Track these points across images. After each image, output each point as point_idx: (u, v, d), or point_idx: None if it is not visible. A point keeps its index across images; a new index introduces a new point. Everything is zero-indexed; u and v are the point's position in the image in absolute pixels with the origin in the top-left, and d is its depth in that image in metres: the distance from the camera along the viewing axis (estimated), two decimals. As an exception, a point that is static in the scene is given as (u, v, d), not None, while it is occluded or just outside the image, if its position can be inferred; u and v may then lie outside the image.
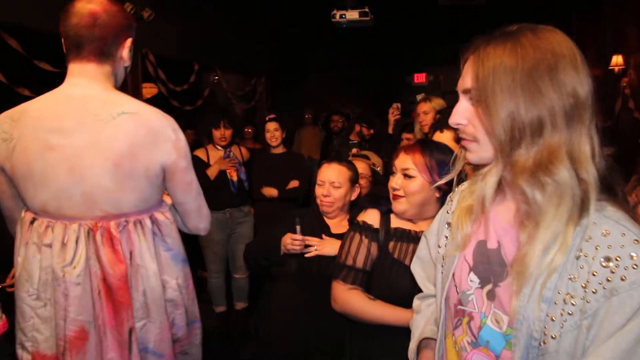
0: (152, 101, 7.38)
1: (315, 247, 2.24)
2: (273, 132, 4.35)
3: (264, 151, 4.57)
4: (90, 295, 1.47)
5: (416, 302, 1.44)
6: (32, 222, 1.49)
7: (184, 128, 5.58)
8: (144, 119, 1.50)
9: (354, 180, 2.40)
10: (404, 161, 1.79)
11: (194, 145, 6.19)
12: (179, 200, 1.65)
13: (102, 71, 1.53)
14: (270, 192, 4.18)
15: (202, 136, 6.55)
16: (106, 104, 1.48)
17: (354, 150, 4.91)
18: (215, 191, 4.13)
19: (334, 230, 2.40)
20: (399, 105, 5.17)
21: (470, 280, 1.08)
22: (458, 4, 6.54)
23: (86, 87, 1.50)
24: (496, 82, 0.94)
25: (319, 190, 2.40)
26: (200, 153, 4.28)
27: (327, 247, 2.23)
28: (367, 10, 4.63)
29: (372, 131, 5.36)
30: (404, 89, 10.90)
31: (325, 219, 2.44)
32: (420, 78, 10.98)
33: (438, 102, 3.71)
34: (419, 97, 3.71)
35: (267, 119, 4.47)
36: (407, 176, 1.77)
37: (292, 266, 2.32)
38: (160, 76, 5.73)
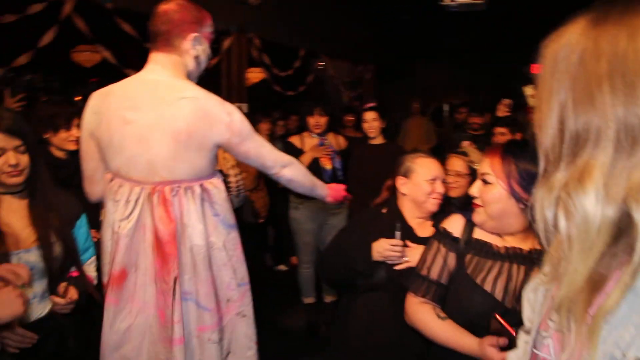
0: (255, 86, 7.47)
1: (406, 257, 2.01)
2: (371, 122, 4.13)
3: (363, 141, 4.35)
4: (137, 247, 1.76)
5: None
6: (110, 181, 1.81)
7: (287, 114, 5.52)
8: (201, 105, 1.76)
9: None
10: (483, 165, 1.58)
11: (297, 131, 6.13)
12: (242, 161, 1.98)
13: (170, 60, 1.80)
14: None
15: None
16: (171, 89, 1.76)
17: (466, 144, 4.59)
18: None
19: (419, 233, 2.15)
20: (509, 102, 4.70)
21: (550, 320, 0.81)
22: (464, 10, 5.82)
23: (158, 73, 1.79)
24: None
25: (428, 187, 2.12)
26: (295, 140, 4.18)
27: (418, 257, 2.01)
28: (479, -7, 4.22)
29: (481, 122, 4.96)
30: (519, 80, 10.13)
31: (409, 220, 2.20)
32: (537, 68, 10.13)
33: None
34: (529, 90, 3.28)
35: (365, 107, 4.26)
36: (485, 182, 1.55)
37: (383, 276, 2.06)
38: (265, 61, 5.70)
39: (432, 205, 2.13)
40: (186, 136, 1.73)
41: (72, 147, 2.59)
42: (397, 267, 2.01)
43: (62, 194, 1.91)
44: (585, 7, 0.74)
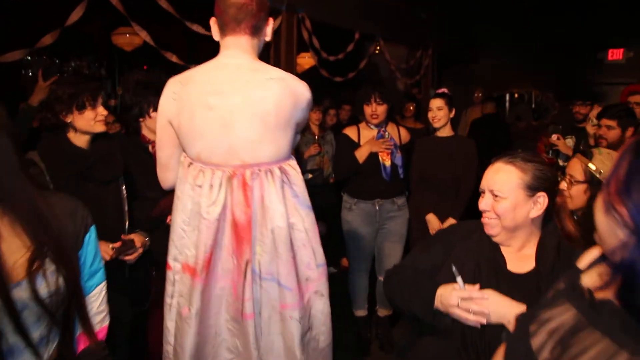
0: (306, 72, 7.01)
1: (479, 312, 1.52)
2: (436, 110, 3.60)
3: (427, 133, 3.82)
4: (223, 229, 1.78)
5: None
6: (189, 166, 1.82)
7: (339, 102, 5.05)
8: (287, 84, 1.80)
9: (534, 186, 1.59)
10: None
11: (350, 122, 5.66)
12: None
13: (251, 44, 1.84)
14: None
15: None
16: (256, 71, 1.79)
17: (554, 138, 3.98)
18: (364, 177, 3.55)
19: (511, 267, 1.64)
20: (558, 136, 4.05)
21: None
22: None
23: (238, 57, 1.81)
24: None
25: (480, 203, 1.70)
26: (351, 131, 3.68)
27: (493, 307, 1.50)
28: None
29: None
30: (593, 68, 9.34)
31: (501, 247, 1.69)
32: (616, 54, 9.32)
33: None
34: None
35: (435, 92, 3.72)
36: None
37: (448, 323, 1.61)
38: (314, 44, 5.22)
39: (484, 227, 1.72)
40: (275, 117, 1.76)
41: (100, 128, 2.34)
42: (468, 323, 1.55)
43: (64, 200, 1.46)
44: None
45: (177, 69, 2.41)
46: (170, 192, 2.59)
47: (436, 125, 3.62)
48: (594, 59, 9.39)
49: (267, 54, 4.96)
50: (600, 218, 0.87)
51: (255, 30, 1.83)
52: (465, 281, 1.58)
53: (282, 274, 1.81)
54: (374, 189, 3.57)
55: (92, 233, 1.50)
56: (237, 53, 1.82)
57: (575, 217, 1.81)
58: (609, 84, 8.75)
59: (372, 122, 3.59)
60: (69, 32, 3.37)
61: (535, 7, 8.43)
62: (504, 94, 10.26)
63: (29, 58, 6.35)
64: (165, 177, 2.00)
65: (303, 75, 6.59)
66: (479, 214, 1.71)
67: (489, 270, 1.63)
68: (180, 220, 1.83)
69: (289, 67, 5.08)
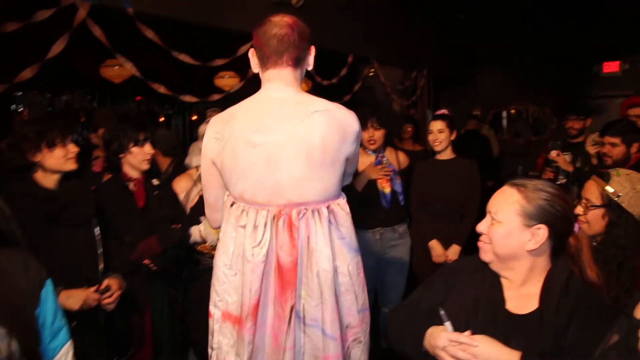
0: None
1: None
2: (437, 133, 3.47)
3: (427, 156, 3.68)
4: (268, 273, 1.68)
5: None
6: (231, 205, 1.74)
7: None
8: (334, 116, 1.70)
9: (534, 216, 1.44)
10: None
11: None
12: (346, 172, 1.86)
13: (295, 75, 1.77)
14: None
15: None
16: (300, 104, 1.70)
17: (554, 154, 3.84)
18: (363, 206, 3.38)
19: (511, 306, 1.50)
20: (558, 152, 3.89)
21: None
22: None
23: (282, 90, 1.73)
24: None
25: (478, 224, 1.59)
26: None
27: (482, 355, 1.39)
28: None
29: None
30: (589, 81, 9.26)
31: (502, 280, 1.55)
32: (611, 67, 9.23)
33: None
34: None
35: (435, 115, 3.59)
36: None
37: None
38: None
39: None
40: (321, 152, 1.67)
41: (71, 166, 2.21)
42: None
43: (13, 255, 1.32)
44: None
45: (169, 100, 2.28)
46: (150, 235, 2.46)
47: (437, 148, 3.49)
48: (590, 73, 9.32)
49: (259, 81, 4.85)
50: None
51: (298, 62, 1.76)
52: (462, 320, 1.49)
53: (327, 321, 1.71)
54: (374, 217, 3.42)
55: (48, 287, 1.36)
56: (280, 86, 1.75)
57: (595, 251, 1.63)
58: (605, 97, 8.66)
59: (369, 148, 3.46)
60: (59, 66, 3.26)
61: (529, 24, 8.39)
62: (501, 111, 10.19)
63: (20, 93, 6.24)
64: (214, 218, 1.93)
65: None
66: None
67: (486, 309, 1.51)
68: (222, 264, 1.75)
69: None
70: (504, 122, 10.31)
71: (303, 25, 1.78)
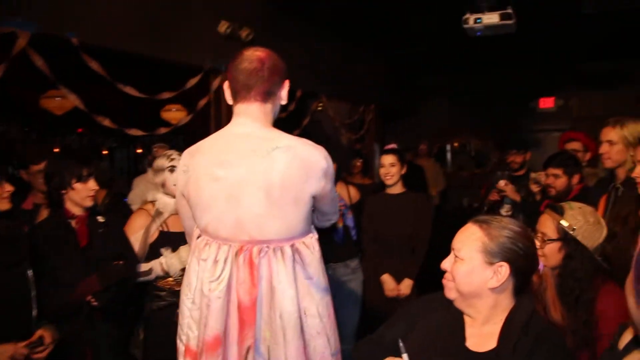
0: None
1: None
2: (388, 167, 3.49)
3: (378, 190, 3.69)
4: (227, 309, 1.64)
5: None
6: (197, 237, 1.74)
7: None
8: (296, 154, 1.65)
9: (495, 254, 1.43)
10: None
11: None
12: (323, 211, 1.89)
13: (264, 110, 1.74)
14: None
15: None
16: (263, 140, 1.67)
17: (502, 184, 3.93)
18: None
19: (471, 343, 1.48)
20: (506, 182, 4.04)
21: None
22: (607, 9, 5.33)
23: (248, 125, 1.71)
24: None
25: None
26: None
27: None
28: (510, 11, 3.62)
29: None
30: (527, 116, 9.67)
31: (465, 317, 1.53)
32: (547, 103, 9.69)
33: (636, 130, 2.54)
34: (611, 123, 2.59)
35: (384, 149, 3.61)
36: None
37: None
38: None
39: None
40: (280, 190, 1.63)
41: (5, 206, 2.16)
42: None
43: None
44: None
45: (113, 133, 2.20)
46: (90, 274, 2.34)
47: (389, 182, 3.51)
48: (527, 108, 9.74)
49: (208, 115, 4.79)
50: (632, 307, 0.94)
51: (268, 96, 1.74)
52: (422, 355, 1.47)
53: None
54: (326, 253, 3.33)
55: None
56: (246, 121, 1.72)
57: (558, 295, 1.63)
58: (542, 131, 9.04)
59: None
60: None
61: (471, 60, 8.72)
62: (445, 145, 10.46)
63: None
64: None
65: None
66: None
67: (446, 345, 1.49)
68: (185, 298, 1.73)
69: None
70: (448, 155, 10.58)
71: (277, 59, 1.77)
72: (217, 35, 4.66)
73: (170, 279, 2.60)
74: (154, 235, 2.65)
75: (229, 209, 1.65)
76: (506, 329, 1.42)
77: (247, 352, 1.64)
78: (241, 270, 1.64)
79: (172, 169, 2.68)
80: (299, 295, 1.66)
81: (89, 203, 2.45)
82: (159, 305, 2.63)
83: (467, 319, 1.52)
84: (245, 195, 1.64)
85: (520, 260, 1.44)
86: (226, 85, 1.80)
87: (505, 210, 4.09)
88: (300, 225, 1.70)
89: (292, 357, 1.64)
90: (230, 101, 1.80)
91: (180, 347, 1.75)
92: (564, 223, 1.88)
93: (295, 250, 1.68)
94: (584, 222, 1.86)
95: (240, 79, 1.71)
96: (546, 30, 6.45)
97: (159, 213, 2.68)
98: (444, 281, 1.54)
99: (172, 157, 2.72)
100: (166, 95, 4.14)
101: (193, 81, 4.34)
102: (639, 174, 2.07)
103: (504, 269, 1.42)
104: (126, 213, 3.26)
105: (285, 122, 5.77)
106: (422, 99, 10.06)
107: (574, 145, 3.99)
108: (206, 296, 1.64)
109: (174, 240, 2.66)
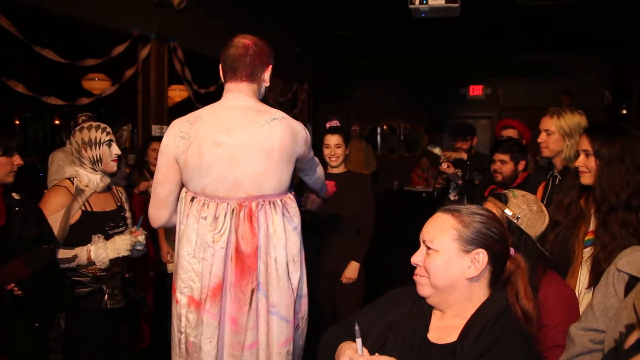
0: (177, 105, 6.55)
1: None
2: (334, 148, 3.36)
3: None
4: (228, 261, 1.87)
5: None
6: (191, 200, 1.92)
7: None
8: (288, 124, 1.94)
9: (472, 241, 1.36)
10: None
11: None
12: (306, 170, 2.20)
13: (252, 88, 1.99)
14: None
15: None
16: (260, 112, 1.94)
17: (444, 166, 3.91)
18: None
19: (433, 335, 1.40)
20: (448, 165, 4.09)
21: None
22: (542, 3, 5.45)
23: (242, 100, 1.97)
24: None
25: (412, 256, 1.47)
26: None
27: None
28: (455, -6, 3.57)
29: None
30: (457, 102, 9.90)
31: (434, 310, 1.45)
32: (476, 90, 9.97)
33: (572, 121, 2.52)
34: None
35: (327, 126, 3.47)
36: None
37: None
38: (187, 76, 4.82)
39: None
40: (279, 152, 1.88)
41: None
42: None
43: None
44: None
45: (26, 101, 1.94)
46: (13, 259, 2.07)
47: (334, 163, 3.38)
48: (458, 94, 9.95)
49: (135, 86, 4.48)
50: None
51: (253, 77, 1.97)
52: (382, 345, 1.41)
53: (283, 305, 1.90)
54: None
55: None
56: (240, 96, 1.96)
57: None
58: (470, 118, 9.25)
59: None
60: None
61: (404, 46, 8.75)
62: (376, 127, 10.51)
63: None
64: (160, 215, 2.04)
65: (174, 109, 6.14)
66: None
67: (407, 334, 1.42)
68: (186, 253, 1.90)
69: (159, 99, 4.63)
70: (378, 138, 10.65)
71: (261, 45, 1.99)
72: (149, 2, 4.35)
73: (95, 267, 2.40)
74: (75, 215, 2.41)
75: (229, 170, 1.87)
76: (470, 323, 1.34)
77: (252, 294, 1.87)
78: (242, 224, 1.87)
79: (109, 143, 2.46)
80: (287, 243, 1.92)
81: (11, 179, 2.21)
82: (80, 293, 2.41)
83: (435, 312, 1.43)
84: (245, 158, 1.87)
85: (497, 246, 1.36)
86: (220, 67, 2.01)
87: (453, 195, 4.10)
88: (288, 183, 1.98)
89: (283, 298, 1.89)
90: (223, 79, 2.01)
91: (182, 299, 1.91)
92: (508, 212, 1.83)
93: (284, 204, 1.95)
94: (527, 211, 1.83)
95: (227, 62, 1.96)
96: (481, 20, 6.53)
97: (80, 191, 2.43)
98: (416, 277, 1.43)
99: (107, 130, 2.50)
100: (90, 62, 3.82)
101: (120, 49, 4.02)
102: (581, 164, 2.07)
103: (481, 256, 1.34)
104: (40, 190, 2.96)
105: (217, 96, 5.54)
106: (354, 80, 10.04)
107: (510, 133, 4.04)
108: (211, 247, 1.85)
109: (98, 221, 2.45)
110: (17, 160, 2.20)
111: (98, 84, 5.78)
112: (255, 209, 1.88)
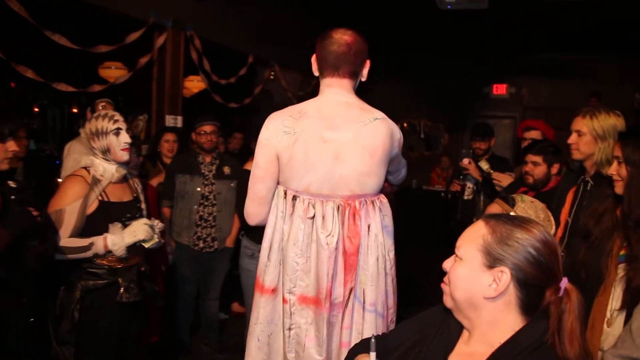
0: (193, 97, 6.47)
1: None
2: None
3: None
4: (337, 259, 1.87)
5: None
6: (293, 199, 1.89)
7: (229, 130, 4.50)
8: (388, 125, 1.94)
9: (497, 255, 1.19)
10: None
11: (243, 152, 5.18)
12: (393, 170, 2.10)
13: (352, 84, 1.97)
14: None
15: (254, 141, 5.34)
16: (363, 110, 1.94)
17: (465, 162, 3.74)
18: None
19: (454, 358, 1.26)
20: (469, 160, 3.94)
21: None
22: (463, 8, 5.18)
23: (345, 96, 1.94)
24: None
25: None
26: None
27: None
28: (483, -12, 3.41)
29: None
30: (480, 101, 9.68)
31: (464, 330, 1.29)
32: (500, 89, 9.74)
33: (606, 122, 2.36)
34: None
35: None
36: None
37: None
38: (205, 66, 4.73)
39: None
40: (381, 152, 1.89)
41: None
42: None
43: None
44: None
45: (42, 88, 1.84)
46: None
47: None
48: (481, 93, 9.73)
49: (150, 75, 4.40)
50: None
51: (354, 74, 1.96)
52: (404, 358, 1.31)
53: (379, 302, 1.93)
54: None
55: None
56: (342, 92, 1.94)
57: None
58: (493, 117, 9.05)
59: None
60: None
61: (427, 43, 8.58)
62: (401, 124, 10.34)
63: None
64: (260, 211, 1.99)
65: (191, 100, 6.05)
66: None
67: (429, 355, 1.27)
68: (293, 254, 1.89)
69: (175, 90, 4.54)
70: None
71: (361, 42, 1.95)
72: (165, -11, 4.27)
73: (114, 257, 2.32)
74: (92, 205, 2.34)
75: (334, 167, 1.86)
76: (496, 353, 1.16)
77: (350, 293, 1.91)
78: (347, 221, 1.88)
79: (117, 132, 2.37)
80: (385, 242, 1.93)
81: (5, 166, 2.13)
82: (96, 285, 2.33)
83: (464, 334, 1.27)
84: (351, 155, 1.86)
85: (529, 269, 1.16)
86: (314, 59, 1.98)
87: (467, 193, 3.97)
88: (383, 183, 2.00)
89: (380, 296, 1.92)
90: (316, 73, 1.98)
91: (291, 299, 1.91)
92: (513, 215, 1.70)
93: (380, 203, 1.96)
94: (534, 217, 1.70)
95: (329, 59, 1.91)
96: (507, 16, 6.33)
97: (96, 180, 2.36)
98: (442, 285, 1.28)
99: (115, 118, 2.40)
100: (103, 48, 3.74)
101: (134, 36, 3.94)
102: (614, 171, 1.91)
103: (504, 276, 1.15)
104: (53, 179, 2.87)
105: (234, 88, 5.46)
106: (376, 77, 9.86)
107: (533, 134, 3.87)
108: (326, 250, 1.85)
109: (115, 211, 2.37)
110: (11, 146, 2.10)
111: (114, 72, 5.72)
112: (359, 208, 1.90)
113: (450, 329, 1.28)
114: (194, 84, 6.36)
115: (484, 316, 1.19)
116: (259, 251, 3.02)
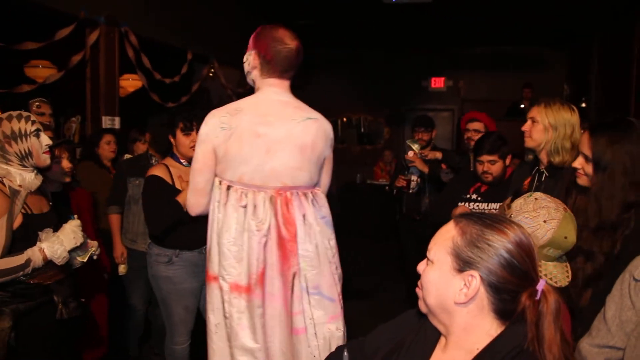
0: (129, 96, 6.21)
1: None
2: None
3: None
4: (270, 247, 1.96)
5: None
6: (227, 189, 1.99)
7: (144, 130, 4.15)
8: (321, 125, 2.08)
9: (466, 258, 1.14)
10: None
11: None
12: (322, 178, 2.18)
13: (288, 85, 2.09)
14: None
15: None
16: (297, 109, 2.06)
17: (410, 154, 3.75)
18: (187, 223, 2.66)
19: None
20: (414, 153, 4.00)
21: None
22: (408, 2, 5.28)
23: (282, 95, 2.05)
24: None
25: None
26: (160, 171, 2.85)
27: None
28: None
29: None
30: (418, 95, 9.84)
31: (442, 337, 1.24)
32: (438, 83, 9.92)
33: (558, 114, 2.33)
34: None
35: None
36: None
37: None
38: (145, 64, 4.54)
39: None
40: (310, 150, 2.02)
41: None
42: None
43: None
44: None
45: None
46: None
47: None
48: (419, 87, 9.88)
49: (84, 74, 4.17)
50: None
51: (293, 76, 2.08)
52: None
53: (324, 286, 2.01)
54: (201, 234, 2.52)
55: None
56: (281, 91, 2.04)
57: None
58: (432, 110, 9.21)
59: (189, 156, 2.82)
60: None
61: (365, 37, 8.62)
62: (335, 119, 10.34)
63: None
64: (200, 202, 2.07)
65: (127, 100, 5.80)
66: None
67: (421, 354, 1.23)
68: (226, 241, 1.95)
69: (110, 88, 4.33)
70: (338, 130, 10.48)
71: (301, 46, 2.06)
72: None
73: (51, 272, 2.15)
74: (17, 220, 2.09)
75: (266, 161, 1.95)
76: None
77: (294, 277, 1.99)
78: (280, 210, 1.96)
79: (37, 133, 2.15)
80: (322, 230, 2.02)
81: None
82: (29, 307, 2.12)
83: (441, 340, 1.21)
84: (282, 151, 1.96)
85: (501, 273, 1.09)
86: (254, 56, 2.02)
87: (412, 187, 4.00)
88: (316, 178, 2.11)
89: (325, 280, 2.01)
90: (254, 70, 2.03)
91: (224, 286, 1.95)
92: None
93: (314, 195, 2.06)
94: (539, 210, 1.68)
95: (283, 64, 2.00)
96: (444, 10, 6.42)
97: (15, 192, 2.11)
98: (416, 290, 1.22)
99: (32, 118, 2.17)
100: (30, 45, 3.51)
101: (64, 32, 3.71)
102: (579, 165, 1.91)
103: (474, 281, 1.09)
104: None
105: (174, 86, 5.27)
106: (315, 72, 9.85)
107: (476, 125, 3.95)
108: (256, 235, 1.93)
109: (38, 224, 2.15)
110: None
111: (42, 72, 5.35)
112: (291, 197, 1.99)
113: (427, 334, 1.23)
114: (130, 83, 6.11)
115: (457, 322, 1.14)
116: (177, 255, 2.86)
